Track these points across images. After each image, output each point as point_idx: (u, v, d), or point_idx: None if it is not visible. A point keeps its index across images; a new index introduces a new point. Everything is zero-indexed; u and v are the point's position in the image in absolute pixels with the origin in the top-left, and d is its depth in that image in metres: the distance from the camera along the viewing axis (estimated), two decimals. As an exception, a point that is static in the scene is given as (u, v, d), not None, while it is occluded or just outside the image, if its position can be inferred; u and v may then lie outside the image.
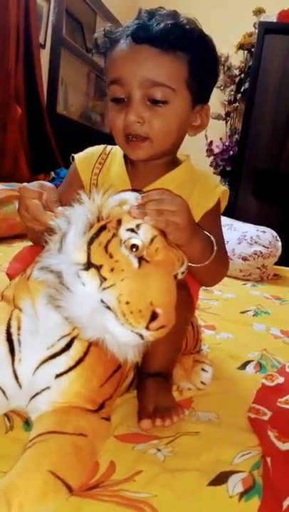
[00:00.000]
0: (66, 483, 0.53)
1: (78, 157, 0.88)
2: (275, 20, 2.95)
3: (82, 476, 0.58)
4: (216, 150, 3.35)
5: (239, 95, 3.34)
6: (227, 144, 3.34)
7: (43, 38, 2.45)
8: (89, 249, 0.58)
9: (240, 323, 1.37)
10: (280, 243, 2.13)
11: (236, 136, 3.39)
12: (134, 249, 0.58)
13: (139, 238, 0.58)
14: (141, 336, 0.56)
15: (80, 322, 0.59)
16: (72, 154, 0.89)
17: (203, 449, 0.68)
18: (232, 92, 3.38)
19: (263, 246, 2.05)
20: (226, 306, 1.56)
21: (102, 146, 0.89)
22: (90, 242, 0.58)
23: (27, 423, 0.68)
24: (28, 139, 2.22)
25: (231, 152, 3.28)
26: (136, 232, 0.59)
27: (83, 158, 0.87)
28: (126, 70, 0.70)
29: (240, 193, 3.12)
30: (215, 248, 0.73)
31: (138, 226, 0.59)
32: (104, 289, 0.56)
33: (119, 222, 0.60)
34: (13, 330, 0.65)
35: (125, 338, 0.57)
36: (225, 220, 2.20)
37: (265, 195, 3.10)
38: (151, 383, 0.77)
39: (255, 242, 2.06)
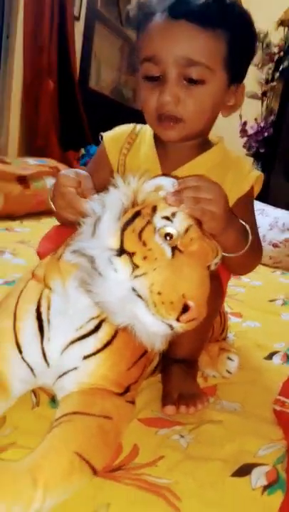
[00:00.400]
0: (91, 465, 0.54)
1: (106, 136, 0.85)
2: None
3: (107, 458, 0.58)
4: (250, 131, 3.24)
5: (277, 74, 3.20)
6: (262, 125, 3.22)
7: (78, 11, 2.39)
8: (122, 235, 0.57)
9: (267, 311, 1.35)
10: (313, 231, 2.06)
11: (272, 117, 3.26)
12: (168, 238, 0.56)
13: (174, 227, 0.57)
14: (171, 326, 0.55)
15: (110, 308, 0.59)
16: (102, 133, 0.87)
17: (226, 439, 0.68)
18: (270, 71, 3.23)
19: (295, 233, 1.99)
20: (254, 293, 1.53)
21: (131, 125, 0.86)
22: (124, 228, 0.57)
23: (53, 400, 0.69)
24: (60, 114, 2.19)
25: (266, 134, 3.17)
26: (171, 221, 0.57)
27: (112, 138, 0.85)
28: (161, 47, 0.67)
29: (273, 176, 3.02)
30: (250, 238, 0.71)
31: (174, 214, 0.58)
32: (136, 276, 0.55)
33: (154, 208, 0.58)
34: (43, 309, 0.65)
35: (155, 328, 0.56)
36: (257, 205, 2.13)
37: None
38: (176, 369, 0.77)
39: (288, 229, 2.00)
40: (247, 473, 0.61)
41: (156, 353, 0.78)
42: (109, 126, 0.87)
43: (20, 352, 0.64)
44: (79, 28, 2.43)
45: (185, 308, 0.54)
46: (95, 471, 0.54)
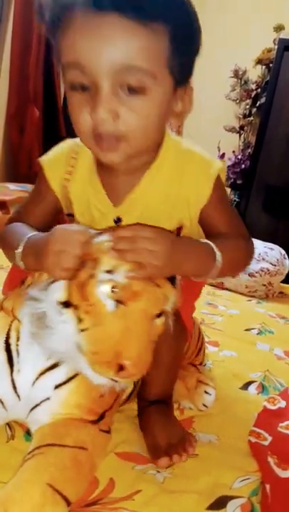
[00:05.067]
0: (64, 496, 0.53)
1: (44, 161, 0.74)
2: (290, 37, 2.96)
3: (81, 490, 0.58)
4: (228, 163, 3.35)
5: (254, 109, 3.34)
6: (239, 157, 3.34)
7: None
8: (69, 287, 0.57)
9: (244, 341, 1.37)
10: (287, 261, 2.12)
11: (249, 150, 3.39)
12: (111, 292, 0.55)
13: (116, 281, 0.55)
14: (113, 379, 0.57)
15: (60, 357, 0.60)
16: (39, 158, 0.75)
17: (202, 472, 0.68)
18: (247, 106, 3.38)
19: (271, 263, 2.04)
20: (231, 322, 1.55)
21: (69, 144, 0.73)
22: (70, 280, 0.58)
23: (28, 433, 0.69)
24: (44, 140, 2.23)
25: (243, 166, 3.28)
26: (113, 274, 0.55)
27: (50, 163, 0.73)
28: (88, 50, 0.53)
29: (249, 207, 3.11)
30: (217, 254, 0.63)
31: (116, 267, 0.56)
32: (81, 330, 0.56)
33: (97, 261, 0.56)
34: (12, 341, 0.65)
35: (98, 381, 0.57)
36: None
37: (275, 211, 3.09)
38: (155, 415, 0.75)
39: (263, 259, 2.05)
40: (223, 506, 0.62)
41: None
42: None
43: None
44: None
45: (121, 367, 0.54)
46: (68, 503, 0.54)
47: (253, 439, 0.79)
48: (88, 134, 0.60)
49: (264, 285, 2.04)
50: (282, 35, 3.08)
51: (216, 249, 0.64)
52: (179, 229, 0.73)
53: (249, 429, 0.82)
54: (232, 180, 3.34)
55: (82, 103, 0.57)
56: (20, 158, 2.12)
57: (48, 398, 0.63)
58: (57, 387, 0.63)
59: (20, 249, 0.63)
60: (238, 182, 3.30)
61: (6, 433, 0.69)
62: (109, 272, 0.55)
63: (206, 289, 1.92)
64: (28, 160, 2.13)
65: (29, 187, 2.14)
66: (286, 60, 2.94)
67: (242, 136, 3.50)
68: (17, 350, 0.65)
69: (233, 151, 3.45)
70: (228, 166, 3.35)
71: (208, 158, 0.71)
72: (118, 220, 0.72)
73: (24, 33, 2.01)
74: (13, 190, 2.04)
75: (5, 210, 1.95)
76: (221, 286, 2.06)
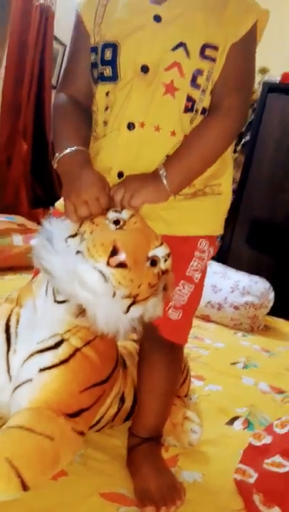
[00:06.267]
0: (20, 477, 0.53)
1: (81, 5, 0.79)
2: (278, 80, 3.11)
3: (40, 478, 0.57)
4: (214, 197, 3.43)
5: (239, 147, 3.46)
6: (225, 191, 3.42)
7: (56, 79, 2.55)
8: (81, 224, 0.67)
9: (229, 375, 1.37)
10: (272, 295, 2.14)
11: (234, 185, 3.48)
12: (116, 225, 0.65)
13: (120, 216, 0.67)
14: (102, 274, 0.59)
15: (58, 276, 0.63)
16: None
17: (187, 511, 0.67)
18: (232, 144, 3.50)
19: (256, 297, 2.06)
20: (216, 356, 1.55)
21: None
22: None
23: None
24: (31, 172, 2.26)
25: (228, 200, 3.36)
26: (120, 212, 0.68)
27: (87, 5, 0.78)
28: None
29: (234, 240, 3.17)
30: (164, 180, 0.70)
31: (122, 208, 0.69)
32: (81, 241, 0.63)
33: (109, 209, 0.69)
34: (12, 323, 0.70)
35: (88, 276, 0.60)
36: (218, 268, 2.23)
37: (259, 244, 3.15)
38: (145, 456, 0.74)
39: (248, 292, 2.07)
40: None
41: (114, 399, 0.80)
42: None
43: None
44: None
45: (114, 252, 0.60)
46: (24, 486, 0.53)
47: (239, 477, 0.78)
48: None
49: (249, 318, 2.06)
50: (267, 77, 3.23)
51: (163, 178, 0.70)
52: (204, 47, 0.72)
53: (235, 466, 0.81)
54: (217, 214, 3.41)
55: None
56: (7, 189, 2.15)
57: (30, 380, 0.65)
58: (41, 370, 0.66)
59: (55, 160, 0.74)
60: (224, 216, 3.37)
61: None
62: (116, 211, 0.68)
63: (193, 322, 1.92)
64: (15, 191, 2.16)
65: (16, 218, 2.15)
66: (270, 101, 3.08)
67: (227, 171, 3.59)
68: (16, 333, 0.69)
69: (219, 186, 3.54)
70: (214, 201, 3.43)
71: (254, 2, 0.76)
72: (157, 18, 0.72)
73: (17, 70, 2.07)
74: (1, 222, 2.05)
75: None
76: (207, 319, 2.07)
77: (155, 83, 0.71)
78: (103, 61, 0.74)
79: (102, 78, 0.75)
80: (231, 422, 1.03)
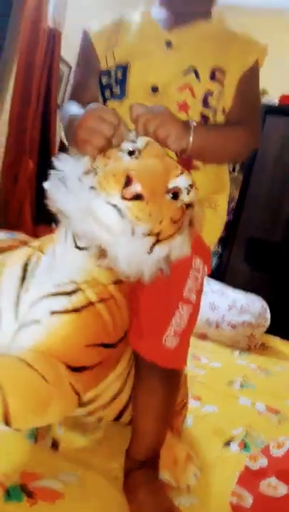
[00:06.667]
0: (5, 402, 0.50)
1: (93, 32, 0.84)
2: (277, 102, 3.18)
3: (25, 413, 0.53)
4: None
5: (238, 167, 3.52)
6: (223, 210, 3.47)
7: (61, 99, 2.61)
8: (94, 160, 0.64)
9: (225, 395, 1.38)
10: (268, 314, 2.17)
11: (232, 204, 3.53)
12: (131, 156, 0.62)
13: (135, 145, 0.63)
14: (117, 208, 0.56)
15: (72, 214, 0.61)
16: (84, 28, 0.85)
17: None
18: (231, 163, 3.57)
19: (253, 316, 2.09)
20: (213, 375, 1.56)
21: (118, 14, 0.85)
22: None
23: (8, 494, 0.68)
24: (36, 190, 2.30)
25: (227, 219, 3.40)
26: (135, 142, 0.64)
27: (99, 33, 0.83)
28: None
29: (232, 258, 3.21)
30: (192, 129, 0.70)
31: (137, 136, 0.65)
32: (94, 176, 0.61)
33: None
34: (31, 263, 0.68)
35: (101, 211, 0.57)
36: (216, 286, 2.26)
37: (257, 263, 3.18)
38: (143, 481, 0.74)
39: (245, 311, 2.10)
40: None
41: (119, 357, 0.76)
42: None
43: None
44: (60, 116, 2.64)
45: (128, 183, 0.56)
46: (6, 418, 0.50)
47: (235, 500, 0.79)
48: None
49: (246, 337, 2.08)
50: (265, 99, 3.31)
51: (191, 130, 0.70)
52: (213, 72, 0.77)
53: (231, 488, 0.83)
54: (216, 231, 3.45)
55: None
56: (12, 207, 2.18)
57: (38, 321, 0.62)
58: (52, 313, 0.62)
59: (62, 129, 0.73)
60: (222, 234, 3.41)
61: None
62: (132, 141, 0.63)
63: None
64: (19, 208, 2.19)
65: (18, 235, 2.18)
66: (268, 123, 3.15)
67: (226, 190, 3.64)
68: (32, 272, 0.67)
69: (217, 204, 3.59)
70: (212, 218, 3.47)
71: (255, 39, 0.82)
72: (169, 45, 0.78)
73: (24, 90, 2.13)
74: (3, 239, 2.07)
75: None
76: (204, 337, 2.09)
77: (165, 101, 0.75)
78: (116, 81, 0.79)
79: (111, 96, 0.80)
80: (228, 443, 1.04)
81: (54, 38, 2.21)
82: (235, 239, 3.22)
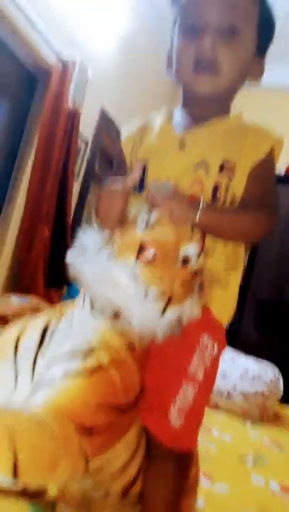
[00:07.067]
0: (15, 455, 0.52)
1: (122, 138, 0.93)
2: (283, 172, 3.32)
3: (33, 468, 0.55)
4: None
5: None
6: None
7: (78, 170, 2.78)
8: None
9: (237, 472, 1.34)
10: (282, 382, 2.12)
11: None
12: (146, 226, 0.69)
13: (151, 216, 0.70)
14: (131, 271, 0.63)
15: (88, 280, 0.66)
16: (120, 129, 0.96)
17: None
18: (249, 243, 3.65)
19: (265, 384, 2.05)
20: (224, 450, 1.52)
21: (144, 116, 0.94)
22: None
23: None
24: (50, 256, 2.38)
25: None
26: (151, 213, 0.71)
27: (127, 139, 0.93)
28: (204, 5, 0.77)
29: (243, 322, 3.19)
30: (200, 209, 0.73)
31: (151, 210, 0.72)
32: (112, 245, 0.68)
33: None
34: (52, 323, 0.74)
35: (117, 275, 0.63)
36: (227, 353, 2.23)
37: (268, 326, 3.16)
38: None
39: (257, 380, 2.06)
40: None
41: (129, 426, 0.76)
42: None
43: (16, 353, 0.70)
44: (76, 185, 2.79)
45: (142, 249, 0.62)
46: (15, 469, 0.52)
47: None
48: (189, 62, 0.79)
49: (258, 407, 2.03)
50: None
51: (199, 208, 0.74)
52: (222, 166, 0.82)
53: None
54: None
55: (189, 43, 0.78)
56: (25, 272, 2.25)
57: (52, 381, 0.64)
58: (66, 375, 0.65)
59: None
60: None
61: None
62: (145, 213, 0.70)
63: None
64: (32, 273, 2.26)
65: (31, 300, 2.23)
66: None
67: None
68: (52, 331, 0.72)
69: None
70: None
71: (269, 131, 0.85)
72: (182, 144, 0.84)
73: (43, 165, 2.28)
74: (16, 304, 2.12)
75: (5, 322, 2.01)
76: (215, 407, 2.04)
77: None
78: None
79: (133, 191, 0.87)
80: (239, 528, 1.00)
81: (74, 118, 2.39)
82: (246, 302, 3.22)
